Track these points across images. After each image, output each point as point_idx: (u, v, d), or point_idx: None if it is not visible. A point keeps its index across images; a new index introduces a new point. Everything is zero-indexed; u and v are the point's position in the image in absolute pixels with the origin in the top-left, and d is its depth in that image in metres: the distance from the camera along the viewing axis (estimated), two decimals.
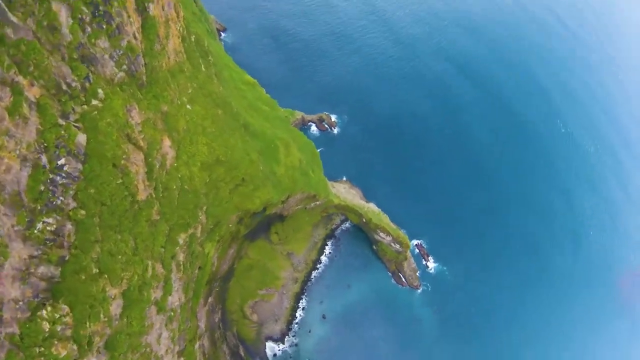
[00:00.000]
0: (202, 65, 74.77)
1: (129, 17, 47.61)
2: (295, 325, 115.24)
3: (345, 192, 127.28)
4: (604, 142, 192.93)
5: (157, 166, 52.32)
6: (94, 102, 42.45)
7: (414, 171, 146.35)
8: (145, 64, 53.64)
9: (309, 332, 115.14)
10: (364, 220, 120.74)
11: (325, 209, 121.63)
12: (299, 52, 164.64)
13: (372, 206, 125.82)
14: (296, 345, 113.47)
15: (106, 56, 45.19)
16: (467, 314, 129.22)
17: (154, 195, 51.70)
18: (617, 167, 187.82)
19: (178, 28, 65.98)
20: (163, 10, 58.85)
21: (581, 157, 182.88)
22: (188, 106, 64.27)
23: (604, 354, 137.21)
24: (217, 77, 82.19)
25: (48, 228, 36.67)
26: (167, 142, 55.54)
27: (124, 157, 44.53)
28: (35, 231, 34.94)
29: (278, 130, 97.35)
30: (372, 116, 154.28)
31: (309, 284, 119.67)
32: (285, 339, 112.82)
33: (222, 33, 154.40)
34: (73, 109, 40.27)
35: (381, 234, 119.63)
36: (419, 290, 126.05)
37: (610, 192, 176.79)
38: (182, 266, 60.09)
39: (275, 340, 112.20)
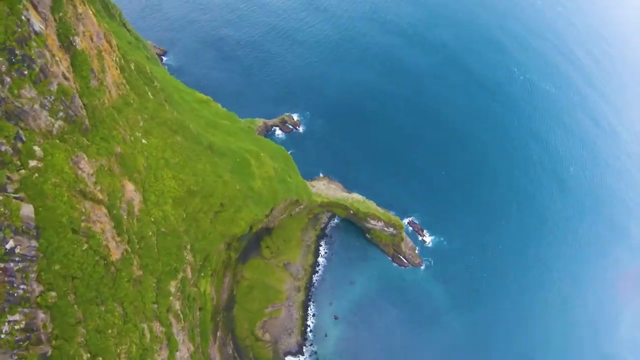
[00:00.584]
0: (149, 93, 67.47)
1: (53, 56, 40.23)
2: (310, 334, 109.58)
3: (325, 189, 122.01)
4: (566, 82, 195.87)
5: (125, 216, 45.30)
6: (32, 163, 35.24)
7: (387, 149, 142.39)
8: (84, 105, 46.39)
9: (325, 336, 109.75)
10: (352, 211, 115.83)
11: (311, 211, 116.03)
12: (245, 58, 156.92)
13: (355, 196, 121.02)
14: (316, 352, 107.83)
15: (36, 106, 37.84)
16: (474, 277, 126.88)
17: (129, 250, 44.73)
18: (583, 103, 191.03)
19: (114, 59, 58.59)
20: (92, 42, 51.52)
21: (547, 99, 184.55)
22: (143, 140, 57.20)
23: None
24: (168, 102, 74.95)
25: (17, 327, 29.85)
26: (129, 187, 48.57)
27: (83, 218, 37.52)
28: (2, 335, 28.26)
29: (244, 142, 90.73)
30: (333, 105, 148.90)
31: (313, 289, 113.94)
32: (304, 350, 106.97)
33: (163, 57, 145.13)
34: (9, 178, 33.11)
35: (372, 221, 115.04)
36: (422, 267, 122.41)
37: (581, 126, 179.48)
38: (181, 315, 53.36)
39: (294, 354, 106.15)
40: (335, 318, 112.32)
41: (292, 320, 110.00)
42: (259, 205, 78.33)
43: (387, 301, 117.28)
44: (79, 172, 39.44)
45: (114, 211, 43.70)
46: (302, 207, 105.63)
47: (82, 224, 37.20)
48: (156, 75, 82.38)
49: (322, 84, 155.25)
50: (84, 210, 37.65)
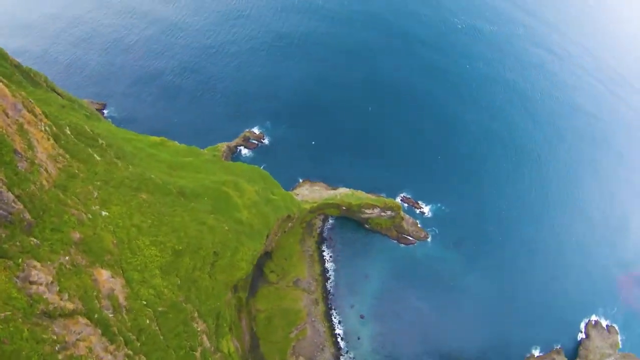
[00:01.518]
0: (95, 155, 57.07)
1: None
2: (342, 342, 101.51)
3: (310, 193, 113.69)
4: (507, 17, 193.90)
5: (111, 315, 35.78)
6: None
7: (356, 134, 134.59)
8: (17, 196, 36.43)
9: (358, 339, 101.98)
10: (344, 207, 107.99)
11: (303, 220, 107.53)
12: (186, 85, 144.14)
13: (342, 190, 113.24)
14: (353, 358, 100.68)
15: None
16: (480, 231, 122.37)
17: (131, 354, 35.31)
18: (530, 34, 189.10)
19: (42, 128, 48.08)
20: (7, 117, 41.24)
21: (494, 38, 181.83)
22: (104, 213, 47.26)
23: None
24: (120, 157, 64.57)
25: None
26: (104, 275, 38.96)
27: (58, 347, 27.89)
28: None
29: (215, 175, 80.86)
30: (290, 106, 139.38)
31: (330, 296, 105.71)
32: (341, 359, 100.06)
33: (104, 111, 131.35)
34: None
35: (367, 210, 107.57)
36: (429, 239, 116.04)
37: (533, 56, 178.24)
38: None
39: None
40: (362, 317, 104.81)
41: (320, 334, 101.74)
42: (254, 238, 69.16)
43: (406, 283, 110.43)
44: (33, 288, 29.66)
45: (95, 315, 34.08)
46: (294, 220, 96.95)
47: (59, 356, 27.58)
48: (100, 132, 71.57)
49: (271, 89, 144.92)
50: (55, 337, 28.03)
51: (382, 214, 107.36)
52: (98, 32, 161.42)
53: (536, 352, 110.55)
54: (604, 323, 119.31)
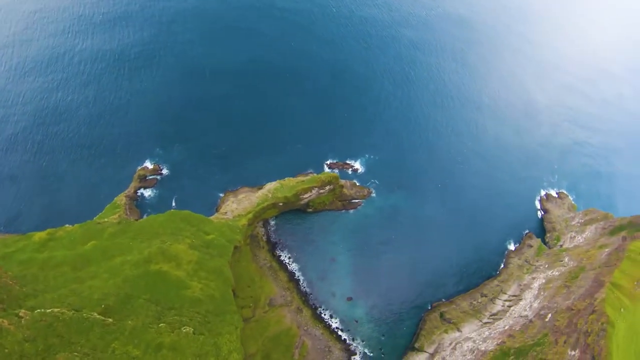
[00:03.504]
0: None
1: None
2: (344, 333, 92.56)
3: (238, 204, 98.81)
4: None
5: None
6: None
7: (256, 122, 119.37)
8: None
9: (356, 322, 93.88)
10: (280, 204, 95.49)
11: (245, 237, 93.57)
12: (58, 142, 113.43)
13: (269, 186, 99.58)
14: (363, 341, 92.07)
15: None
16: (415, 163, 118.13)
17: None
18: None
19: None
20: None
21: None
22: None
23: None
24: (4, 299, 45.15)
25: None
26: None
27: None
28: None
29: (134, 251, 62.63)
30: (172, 121, 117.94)
31: (310, 297, 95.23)
32: (352, 349, 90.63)
33: None
34: None
35: (305, 195, 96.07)
36: (373, 193, 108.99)
37: None
38: None
39: None
40: (349, 300, 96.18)
41: (320, 339, 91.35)
42: (225, 309, 54.16)
43: (372, 244, 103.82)
44: None
45: None
46: (241, 245, 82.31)
47: None
48: None
49: (141, 112, 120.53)
50: None
51: (321, 191, 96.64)
52: None
53: (512, 246, 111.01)
54: (553, 193, 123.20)
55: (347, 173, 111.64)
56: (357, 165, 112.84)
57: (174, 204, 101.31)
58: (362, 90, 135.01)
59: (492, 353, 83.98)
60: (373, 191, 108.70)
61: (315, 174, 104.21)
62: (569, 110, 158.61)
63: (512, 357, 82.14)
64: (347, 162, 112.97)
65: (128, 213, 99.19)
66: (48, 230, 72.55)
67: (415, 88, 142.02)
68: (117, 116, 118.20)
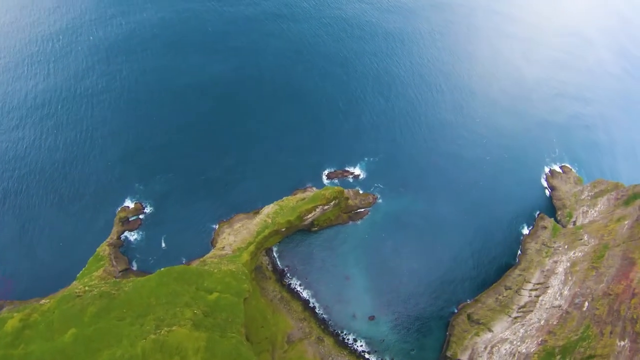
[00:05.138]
0: None
1: None
2: (372, 355, 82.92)
3: (235, 235, 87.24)
4: None
5: None
6: None
7: (243, 140, 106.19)
8: None
9: (383, 341, 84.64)
10: (282, 229, 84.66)
11: (250, 271, 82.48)
12: (23, 190, 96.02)
13: (267, 210, 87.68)
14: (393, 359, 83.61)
15: None
16: (415, 159, 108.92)
17: None
18: None
19: None
20: None
21: None
22: None
23: None
24: None
25: None
26: None
27: None
28: None
29: (123, 342, 49.91)
30: (148, 151, 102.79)
31: (329, 323, 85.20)
32: None
33: None
34: None
35: (308, 216, 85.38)
36: (379, 198, 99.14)
37: None
38: None
39: None
40: (371, 318, 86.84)
41: None
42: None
43: (387, 253, 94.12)
44: None
45: None
46: (246, 287, 71.17)
47: None
48: None
49: (117, 143, 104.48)
50: None
51: (326, 207, 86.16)
52: None
53: (525, 230, 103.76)
54: (557, 168, 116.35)
55: (349, 181, 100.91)
56: (357, 170, 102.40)
57: (163, 244, 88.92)
58: (346, 92, 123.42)
59: (536, 355, 76.19)
60: (378, 196, 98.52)
61: (314, 188, 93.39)
62: (559, 84, 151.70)
63: (558, 357, 74.88)
64: (346, 169, 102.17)
65: (114, 263, 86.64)
66: (20, 315, 58.75)
67: (401, 81, 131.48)
68: (87, 154, 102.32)
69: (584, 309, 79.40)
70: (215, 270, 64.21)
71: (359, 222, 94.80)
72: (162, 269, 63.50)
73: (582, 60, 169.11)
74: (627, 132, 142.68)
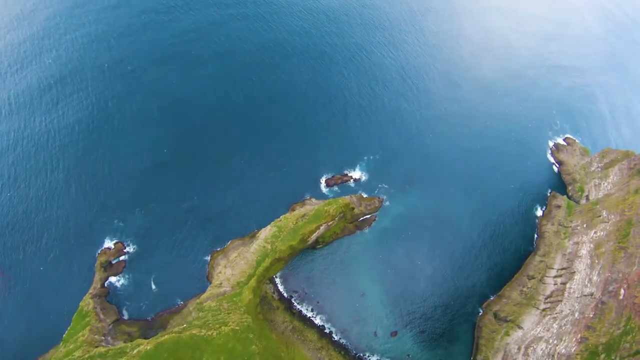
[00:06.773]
0: None
1: None
2: None
3: (232, 267, 75.76)
4: None
5: None
6: None
7: (225, 153, 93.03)
8: None
9: (409, 356, 76.09)
10: (285, 255, 73.93)
11: (257, 304, 72.07)
12: None
13: (264, 234, 75.84)
14: None
15: None
16: (417, 152, 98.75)
17: None
18: None
19: None
20: None
21: None
22: None
23: None
24: None
25: None
26: None
27: None
28: None
29: None
30: (125, 183, 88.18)
31: (349, 347, 75.83)
32: None
33: None
34: None
35: (312, 237, 74.76)
36: (385, 201, 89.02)
37: None
38: None
39: None
40: (394, 334, 77.96)
41: None
42: None
43: (400, 259, 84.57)
44: None
45: None
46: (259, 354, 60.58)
47: None
48: None
49: (89, 179, 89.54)
50: None
51: (331, 223, 75.59)
52: None
53: (539, 212, 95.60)
54: (561, 141, 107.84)
55: (350, 186, 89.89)
56: (358, 173, 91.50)
57: (153, 286, 77.21)
58: (331, 91, 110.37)
59: (579, 356, 68.63)
60: (384, 198, 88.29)
61: (314, 199, 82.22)
62: (551, 55, 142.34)
63: (602, 356, 67.40)
64: (346, 173, 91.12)
65: (102, 317, 74.84)
66: None
67: (388, 70, 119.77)
68: (57, 194, 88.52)
69: (621, 297, 71.49)
70: (215, 334, 53.01)
71: (366, 230, 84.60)
72: (148, 347, 51.55)
73: (569, 27, 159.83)
74: (625, 97, 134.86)
